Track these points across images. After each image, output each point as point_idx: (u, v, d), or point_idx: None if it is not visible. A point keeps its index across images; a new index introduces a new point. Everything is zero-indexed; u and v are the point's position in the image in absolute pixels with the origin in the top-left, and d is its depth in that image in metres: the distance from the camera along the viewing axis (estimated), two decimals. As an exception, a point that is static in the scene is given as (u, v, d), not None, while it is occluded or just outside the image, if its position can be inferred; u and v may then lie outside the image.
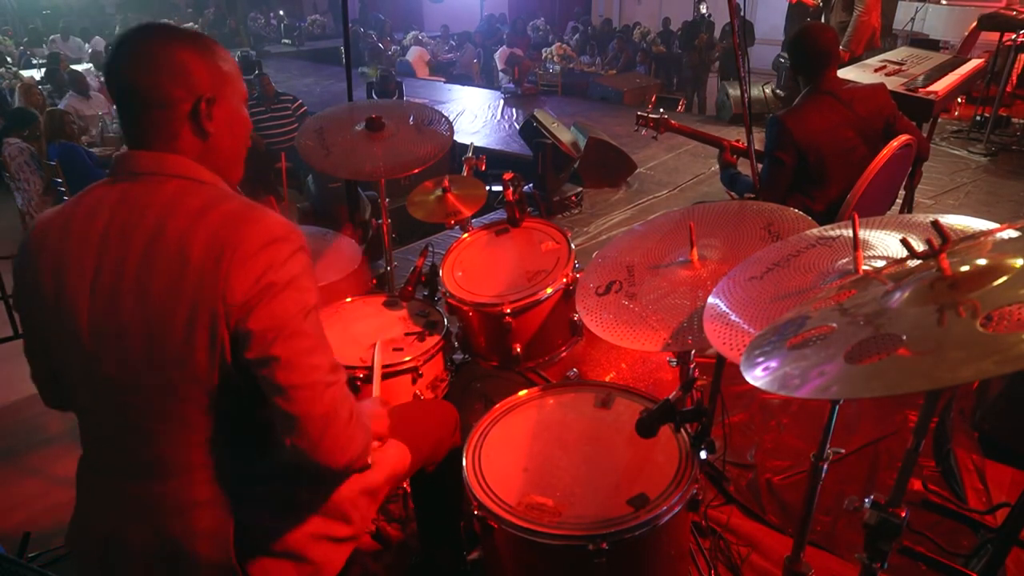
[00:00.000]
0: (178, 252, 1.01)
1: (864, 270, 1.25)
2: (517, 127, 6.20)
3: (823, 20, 5.75)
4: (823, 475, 1.44)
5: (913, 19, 8.20)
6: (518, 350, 1.97)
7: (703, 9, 10.74)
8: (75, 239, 1.05)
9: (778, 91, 7.13)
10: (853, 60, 5.54)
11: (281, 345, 1.01)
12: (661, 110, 2.94)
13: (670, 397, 1.27)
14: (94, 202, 1.07)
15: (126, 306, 1.02)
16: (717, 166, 2.84)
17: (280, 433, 1.04)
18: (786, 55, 7.62)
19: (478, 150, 2.89)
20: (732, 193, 2.82)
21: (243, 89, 1.16)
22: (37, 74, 9.58)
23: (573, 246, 2.07)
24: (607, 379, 2.30)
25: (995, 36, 6.49)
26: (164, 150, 1.08)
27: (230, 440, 1.09)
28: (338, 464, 1.06)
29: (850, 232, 1.29)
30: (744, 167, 2.75)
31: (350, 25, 3.28)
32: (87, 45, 12.50)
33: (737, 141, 2.80)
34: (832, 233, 1.42)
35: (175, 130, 1.08)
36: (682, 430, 1.48)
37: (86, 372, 1.08)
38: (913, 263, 1.00)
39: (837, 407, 1.38)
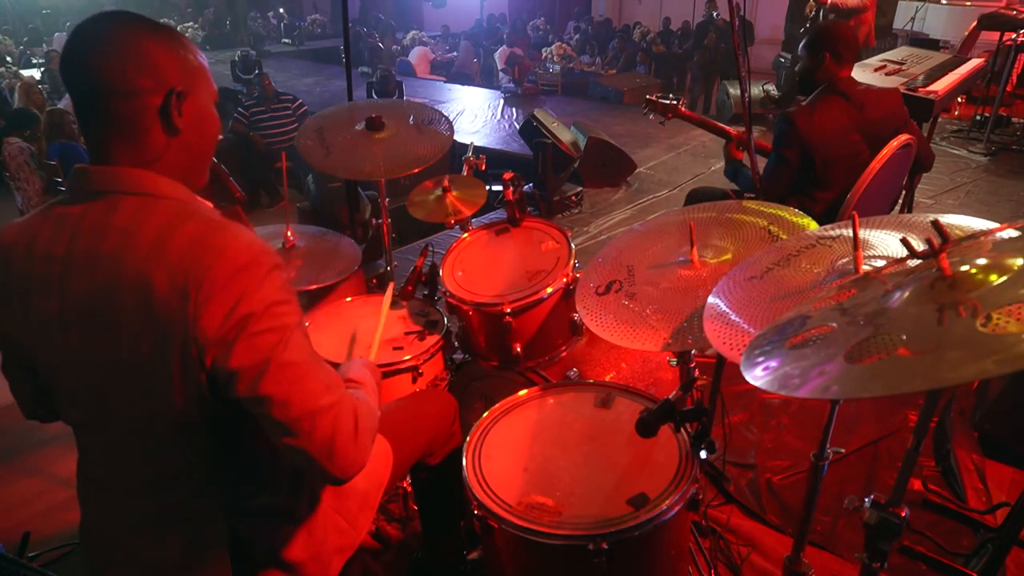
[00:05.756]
0: (139, 285, 0.94)
1: (864, 270, 1.25)
2: (517, 127, 6.19)
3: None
4: (823, 475, 1.45)
5: (913, 19, 8.20)
6: (518, 350, 1.97)
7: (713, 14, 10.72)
8: (39, 263, 0.99)
9: (774, 92, 7.10)
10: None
11: (269, 382, 0.96)
12: (671, 96, 2.94)
13: (670, 397, 1.27)
14: (56, 223, 1.00)
15: (95, 341, 0.98)
16: (718, 164, 2.84)
17: (287, 459, 1.01)
18: (787, 55, 7.61)
19: (478, 150, 2.89)
20: (733, 190, 2.81)
21: (213, 88, 1.08)
22: (37, 73, 9.58)
23: (573, 246, 2.07)
24: (607, 379, 2.30)
25: (995, 36, 6.51)
26: (125, 154, 1.00)
27: (222, 460, 1.08)
28: (349, 475, 1.02)
29: (850, 232, 1.29)
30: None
31: (350, 25, 3.28)
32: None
33: (742, 133, 2.78)
34: (832, 233, 1.42)
35: (143, 124, 1.00)
36: (682, 430, 1.47)
37: (71, 395, 1.07)
38: (913, 263, 1.00)
39: (837, 407, 1.38)
